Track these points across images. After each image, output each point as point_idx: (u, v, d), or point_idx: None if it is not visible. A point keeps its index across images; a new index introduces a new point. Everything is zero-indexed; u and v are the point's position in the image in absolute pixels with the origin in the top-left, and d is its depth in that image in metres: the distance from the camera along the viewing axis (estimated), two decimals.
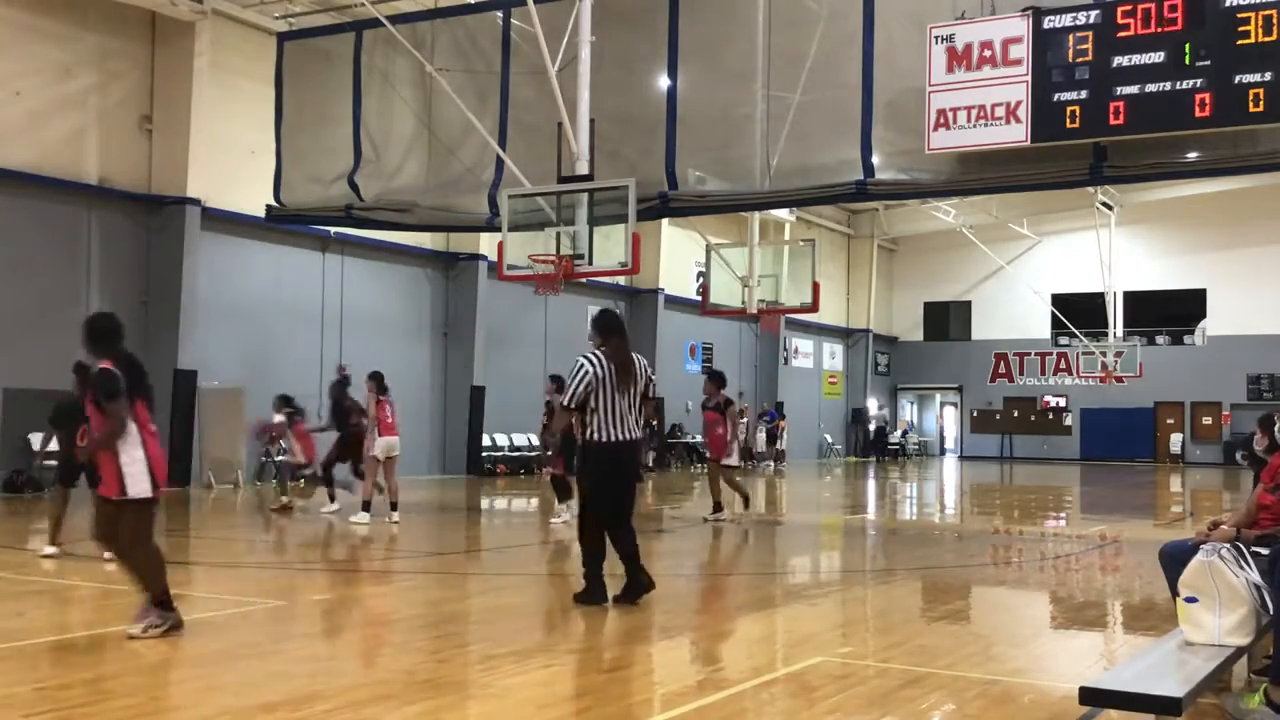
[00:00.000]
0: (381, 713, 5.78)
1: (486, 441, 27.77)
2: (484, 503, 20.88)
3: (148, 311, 21.52)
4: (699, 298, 28.83)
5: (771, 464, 36.24)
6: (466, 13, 18.32)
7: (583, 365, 8.60)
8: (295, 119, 19.30)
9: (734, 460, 16.75)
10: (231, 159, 21.90)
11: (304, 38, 19.74)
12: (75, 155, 20.57)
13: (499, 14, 17.44)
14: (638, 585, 8.79)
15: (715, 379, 16.46)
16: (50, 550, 11.47)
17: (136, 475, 7.28)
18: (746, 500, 16.72)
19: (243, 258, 23.04)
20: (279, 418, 17.46)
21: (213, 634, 7.85)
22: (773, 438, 37.32)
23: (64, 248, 20.45)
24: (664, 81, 16.35)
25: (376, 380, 15.59)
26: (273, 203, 19.54)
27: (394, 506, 15.46)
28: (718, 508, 16.35)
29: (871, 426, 46.51)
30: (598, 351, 8.69)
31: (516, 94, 17.18)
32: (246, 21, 22.12)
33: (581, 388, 8.56)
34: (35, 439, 19.43)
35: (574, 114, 15.57)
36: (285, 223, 20.85)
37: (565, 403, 8.71)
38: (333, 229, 22.73)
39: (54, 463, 12.82)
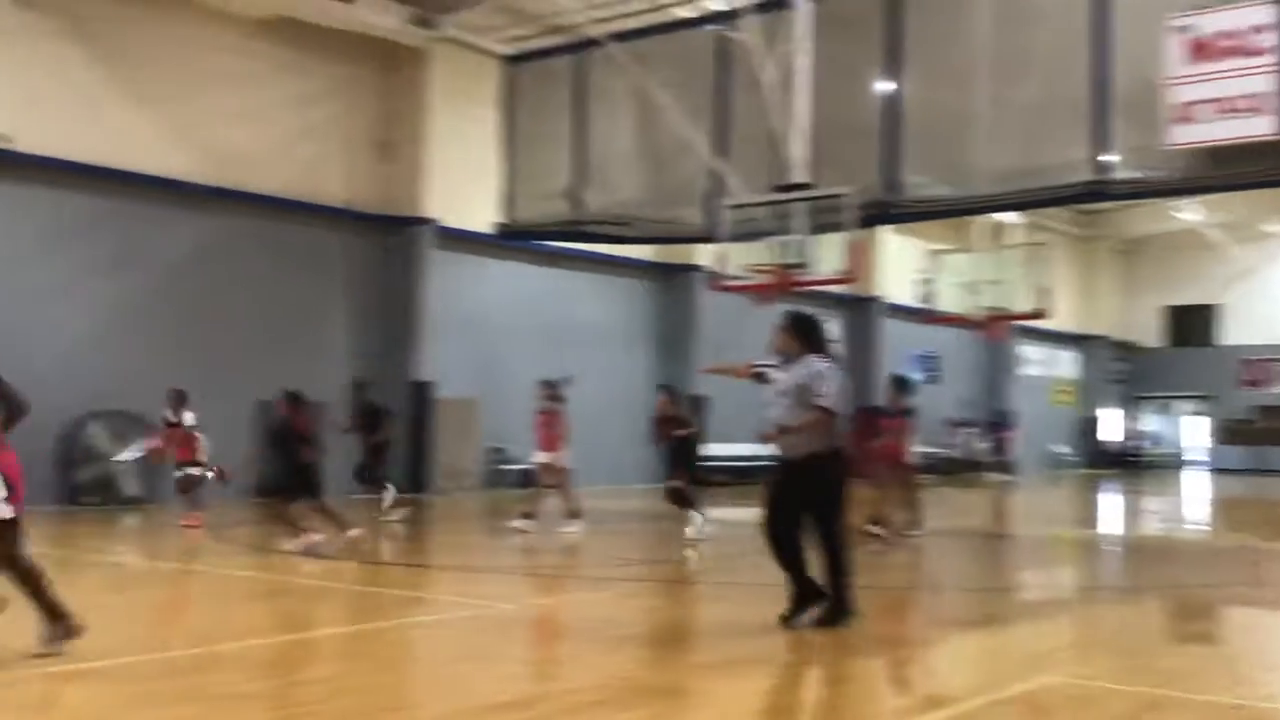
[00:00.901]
0: (602, 716, 5.89)
1: (709, 452, 27.86)
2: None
3: (386, 326, 22.63)
4: (921, 305, 28.21)
5: (999, 476, 35.08)
6: (684, 28, 18.53)
7: (833, 370, 8.28)
8: (520, 138, 19.97)
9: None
10: (462, 179, 22.79)
11: (527, 60, 20.41)
12: (319, 180, 21.84)
13: (716, 27, 17.56)
14: (820, 602, 8.37)
15: (899, 385, 15.73)
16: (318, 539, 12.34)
17: None
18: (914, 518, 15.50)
19: (473, 273, 23.94)
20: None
21: (446, 635, 8.17)
22: (1000, 448, 36.12)
23: (311, 267, 21.72)
24: (883, 85, 16.09)
25: (551, 388, 15.57)
26: (501, 219, 20.25)
27: (528, 516, 15.07)
28: (910, 525, 15.09)
29: (1108, 437, 44.37)
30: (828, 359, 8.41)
31: (733, 105, 17.26)
32: (475, 47, 23.01)
33: (839, 392, 8.22)
34: None
35: (792, 123, 15.50)
36: (512, 239, 21.56)
37: (830, 406, 8.03)
38: (557, 243, 23.35)
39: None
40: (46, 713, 5.84)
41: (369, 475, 17.62)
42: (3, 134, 17.40)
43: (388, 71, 22.96)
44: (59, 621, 6.79)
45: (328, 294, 22.05)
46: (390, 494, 17.39)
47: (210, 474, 15.64)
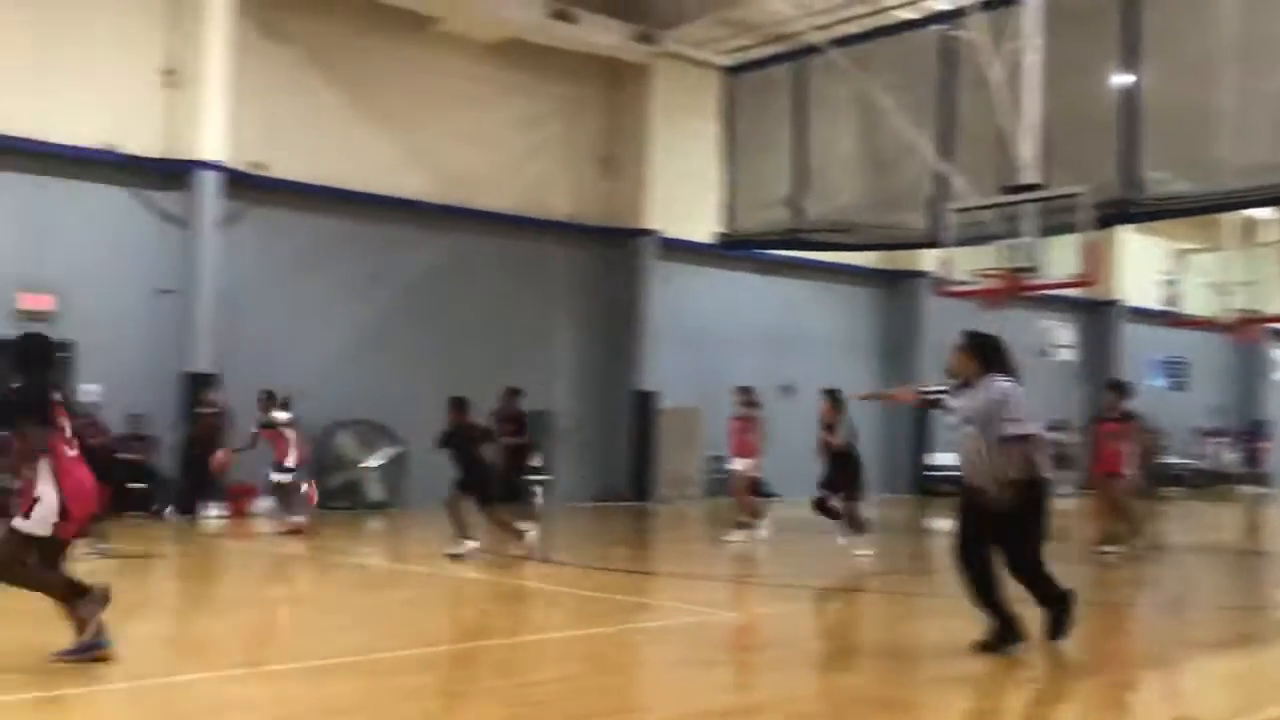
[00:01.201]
0: None
1: (931, 461, 27.22)
2: (924, 523, 20.51)
3: (609, 337, 23.10)
4: (1166, 308, 26.76)
5: (1253, 489, 32.85)
6: (907, 30, 18.23)
7: (1018, 391, 7.66)
8: (739, 149, 20.06)
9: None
10: (683, 191, 23.05)
11: (747, 71, 20.48)
12: (545, 196, 22.52)
13: (940, 27, 17.20)
14: (1014, 633, 7.64)
15: (1116, 389, 14.83)
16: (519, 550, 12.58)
17: None
18: (1132, 530, 14.40)
19: (695, 283, 24.17)
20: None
21: (669, 641, 8.28)
22: (1254, 459, 33.84)
23: (537, 281, 22.40)
24: (1120, 79, 15.39)
25: (747, 394, 15.52)
26: (721, 230, 20.36)
27: (744, 525, 15.02)
28: (1125, 536, 14.05)
29: None
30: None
31: (958, 105, 16.85)
32: (695, 60, 23.26)
33: (1029, 414, 7.55)
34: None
35: (1020, 121, 15.02)
36: (734, 248, 21.67)
37: (1024, 433, 7.42)
38: (778, 252, 23.30)
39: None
40: (303, 702, 6.22)
41: (511, 484, 16.75)
42: (258, 162, 18.66)
43: (610, 88, 23.45)
44: (82, 596, 6.46)
45: (554, 307, 22.67)
46: (535, 503, 16.91)
47: (305, 486, 15.80)
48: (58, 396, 6.48)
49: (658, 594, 11.10)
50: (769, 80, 19.80)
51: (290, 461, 15.37)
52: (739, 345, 24.25)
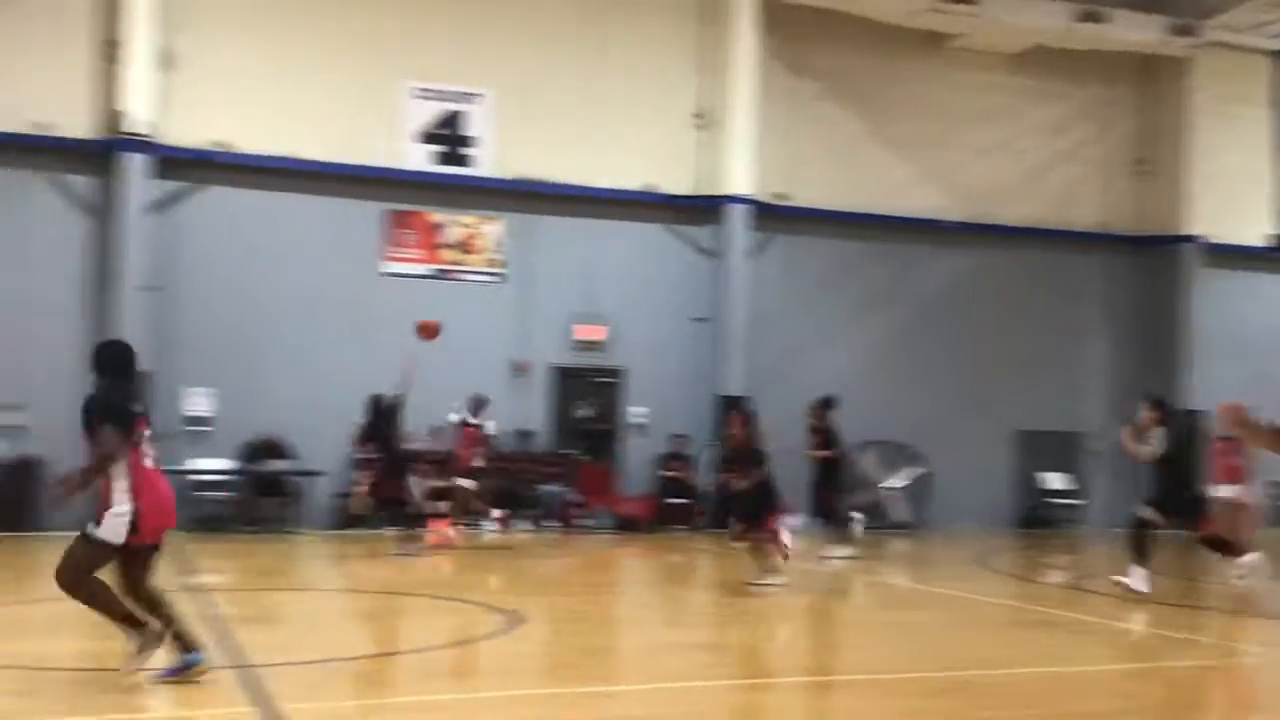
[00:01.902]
0: None
1: None
2: None
3: (1145, 350, 21.54)
4: None
5: None
6: None
7: None
8: None
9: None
10: (1229, 190, 21.08)
11: None
12: (1071, 205, 21.50)
13: None
14: None
15: None
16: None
17: None
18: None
19: (1246, 291, 21.96)
20: None
21: (1223, 683, 7.60)
22: None
23: (1061, 294, 21.39)
24: None
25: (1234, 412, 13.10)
26: (1277, 231, 18.34)
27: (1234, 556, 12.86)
28: None
29: None
30: None
31: None
32: (1241, 47, 21.23)
33: None
34: (1045, 477, 20.67)
35: None
36: None
37: None
38: None
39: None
40: (824, 716, 6.43)
41: (820, 503, 15.53)
42: (781, 193, 19.51)
43: (1143, 86, 21.98)
44: (139, 627, 6.35)
45: (1079, 319, 21.56)
46: (853, 528, 15.42)
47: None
48: (138, 407, 6.32)
49: (1204, 630, 10.21)
50: None
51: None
52: None
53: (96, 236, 16.50)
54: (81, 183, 16.52)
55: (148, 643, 6.23)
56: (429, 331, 14.05)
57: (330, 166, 17.40)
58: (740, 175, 19.12)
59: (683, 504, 18.27)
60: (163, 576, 11.86)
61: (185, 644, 6.36)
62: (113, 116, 16.40)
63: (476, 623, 9.01)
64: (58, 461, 15.78)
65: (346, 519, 16.40)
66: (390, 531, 14.58)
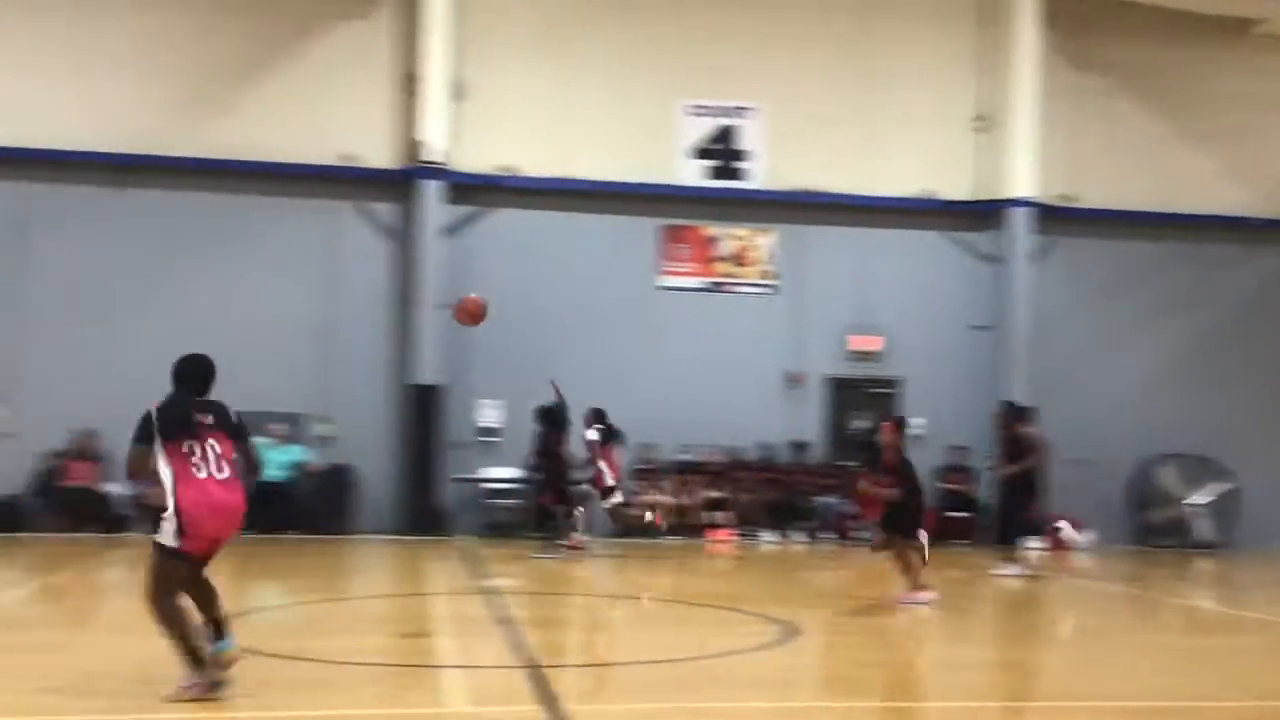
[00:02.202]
0: None
1: None
2: None
3: None
4: None
5: None
6: None
7: None
8: None
9: None
10: None
11: None
12: None
13: None
14: None
15: None
16: None
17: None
18: None
19: None
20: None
21: None
22: None
23: None
24: None
25: None
26: None
27: None
28: None
29: None
30: None
31: None
32: None
33: None
34: None
35: None
36: None
37: None
38: None
39: None
40: None
41: (1008, 519, 14.48)
42: (1067, 194, 18.69)
43: None
44: (198, 668, 6.12)
45: None
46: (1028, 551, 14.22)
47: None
48: (207, 419, 6.28)
49: None
50: None
51: (609, 482, 14.85)
52: None
53: (397, 258, 17.67)
54: (384, 209, 17.72)
55: (193, 686, 6.06)
56: (469, 313, 11.70)
57: (608, 185, 17.98)
58: (1023, 177, 18.45)
59: (963, 517, 17.74)
60: (457, 579, 12.65)
61: (196, 660, 6.14)
62: (411, 146, 17.53)
63: (751, 632, 9.08)
64: (365, 469, 17.07)
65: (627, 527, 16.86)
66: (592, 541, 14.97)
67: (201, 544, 6.14)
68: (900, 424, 11.42)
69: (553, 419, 14.73)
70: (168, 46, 17.16)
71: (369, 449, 17.12)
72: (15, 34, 16.76)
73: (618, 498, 14.98)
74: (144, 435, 6.22)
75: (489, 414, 17.70)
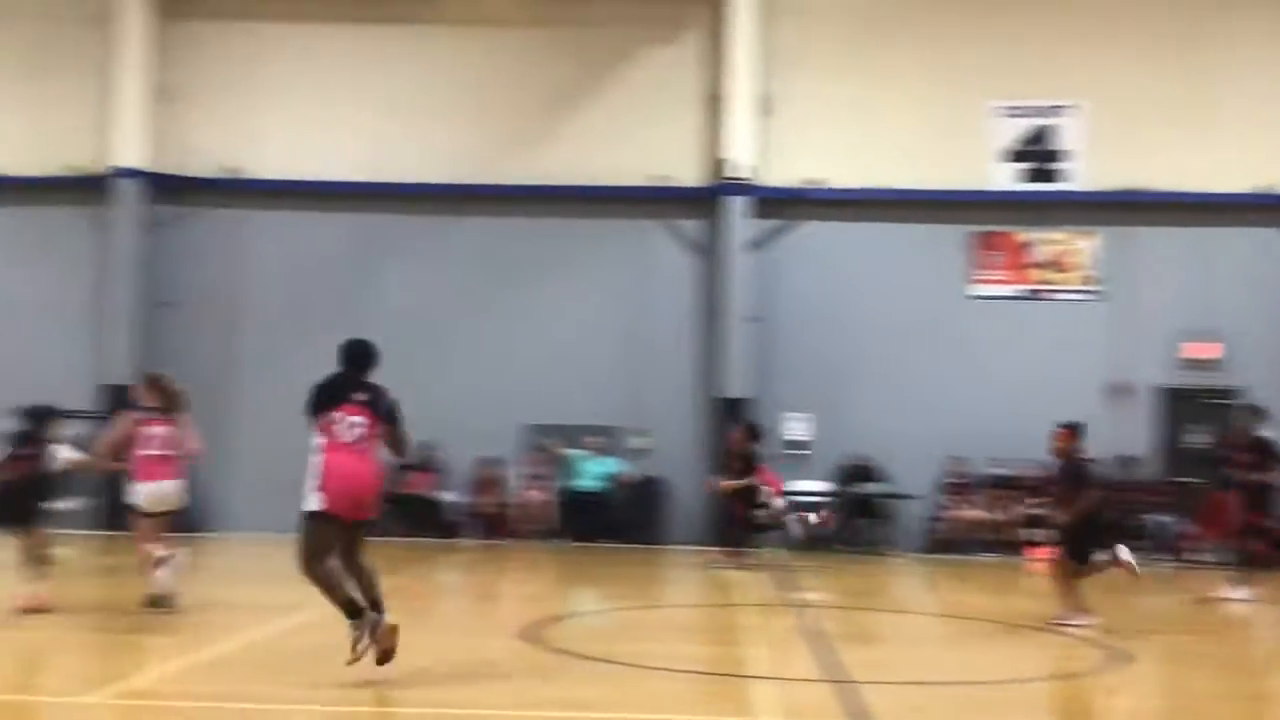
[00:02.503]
0: None
1: None
2: None
3: None
4: None
5: None
6: None
7: None
8: None
9: None
10: None
11: None
12: None
13: None
14: None
15: None
16: None
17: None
18: None
19: None
20: None
21: None
22: None
23: None
24: None
25: None
26: None
27: None
28: None
29: None
30: None
31: None
32: None
33: None
34: None
35: None
36: None
37: None
38: None
39: None
40: None
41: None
42: None
43: None
44: (357, 618, 6.58)
45: None
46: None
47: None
48: (360, 396, 6.77)
49: None
50: None
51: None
52: None
53: (704, 274, 17.95)
54: (691, 226, 18.06)
55: (361, 635, 6.57)
56: None
57: (916, 193, 17.61)
58: None
59: None
60: (766, 590, 12.67)
61: (352, 610, 6.63)
62: (717, 164, 17.81)
63: (1075, 656, 8.61)
64: (676, 480, 17.44)
65: (938, 543, 16.42)
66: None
67: (339, 504, 6.60)
68: (1075, 430, 10.28)
69: (752, 431, 15.09)
70: (492, 84, 18.20)
71: (679, 461, 17.47)
72: (365, 80, 18.21)
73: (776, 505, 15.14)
74: (308, 407, 6.80)
75: (796, 427, 17.69)
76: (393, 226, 18.11)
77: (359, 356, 6.99)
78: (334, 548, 6.69)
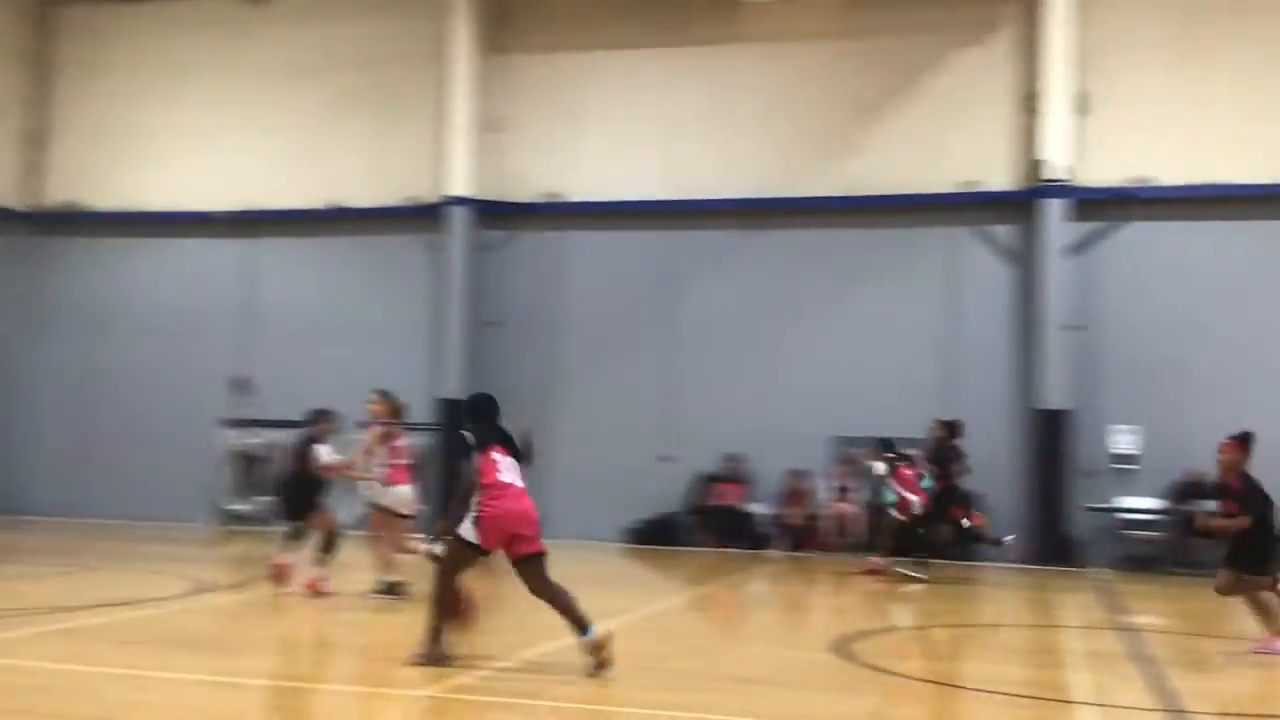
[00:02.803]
0: None
1: None
2: None
3: None
4: None
5: None
6: None
7: None
8: None
9: None
10: None
11: None
12: None
13: None
14: None
15: None
16: None
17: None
18: None
19: None
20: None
21: None
22: None
23: None
24: None
25: None
26: None
27: None
28: None
29: None
30: None
31: None
32: None
33: None
34: None
35: None
36: None
37: None
38: None
39: None
40: None
41: None
42: None
43: None
44: (433, 642, 7.24)
45: None
46: None
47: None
48: (506, 440, 7.41)
49: None
50: None
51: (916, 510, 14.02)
52: None
53: (1019, 281, 17.30)
54: (1003, 231, 17.47)
55: (432, 655, 7.18)
56: None
57: (1253, 188, 16.31)
58: None
59: None
60: (1092, 612, 12.03)
61: (581, 625, 7.09)
62: (1032, 166, 17.16)
63: None
64: (990, 494, 16.82)
65: None
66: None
67: (489, 543, 7.18)
68: (1246, 440, 9.08)
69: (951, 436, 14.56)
70: (792, 95, 18.30)
71: (994, 474, 16.85)
72: (672, 101, 18.71)
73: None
74: (467, 452, 7.35)
75: (1124, 440, 16.73)
76: (700, 241, 18.48)
77: (478, 409, 7.64)
78: (469, 570, 7.48)
